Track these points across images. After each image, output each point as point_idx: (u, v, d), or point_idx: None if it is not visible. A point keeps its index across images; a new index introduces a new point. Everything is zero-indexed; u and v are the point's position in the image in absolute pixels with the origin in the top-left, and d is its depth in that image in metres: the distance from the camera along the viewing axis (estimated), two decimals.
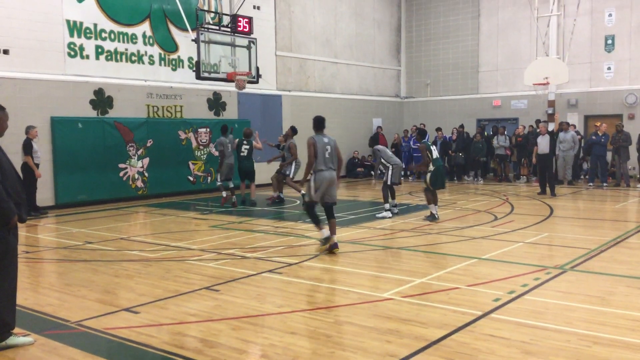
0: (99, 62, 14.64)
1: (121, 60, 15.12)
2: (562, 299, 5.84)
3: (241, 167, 13.90)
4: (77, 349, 4.70)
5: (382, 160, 11.79)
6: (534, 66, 18.25)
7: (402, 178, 15.32)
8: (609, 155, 17.76)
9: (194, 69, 14.71)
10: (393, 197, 12.10)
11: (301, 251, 8.46)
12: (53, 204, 13.65)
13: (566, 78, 17.86)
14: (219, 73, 14.92)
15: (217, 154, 14.09)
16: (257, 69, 15.74)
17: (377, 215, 11.67)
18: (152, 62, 15.82)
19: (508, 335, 4.80)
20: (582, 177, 19.02)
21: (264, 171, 16.47)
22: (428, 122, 22.19)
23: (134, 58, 15.39)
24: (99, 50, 14.65)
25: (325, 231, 8.29)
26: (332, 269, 7.39)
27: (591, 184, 17.40)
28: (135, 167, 15.33)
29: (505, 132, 19.44)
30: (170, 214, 12.77)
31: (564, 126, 17.54)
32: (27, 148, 12.26)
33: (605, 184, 17.09)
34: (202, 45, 14.45)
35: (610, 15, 19.93)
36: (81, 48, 14.30)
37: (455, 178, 19.99)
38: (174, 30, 16.27)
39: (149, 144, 15.56)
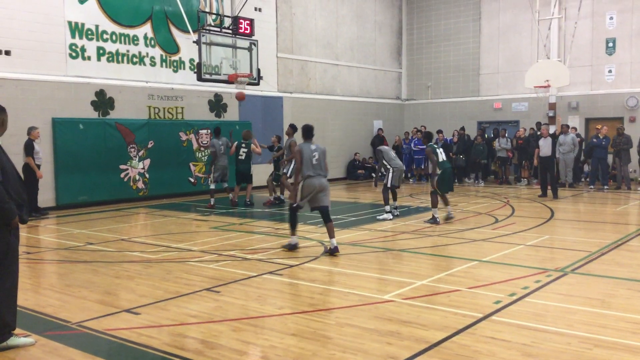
0: (100, 63, 14.66)
1: (122, 61, 15.14)
2: (563, 302, 5.84)
3: (238, 170, 13.93)
4: (77, 349, 4.70)
5: (384, 161, 11.78)
6: (535, 69, 18.26)
7: (405, 180, 15.27)
8: (609, 158, 17.76)
9: (195, 70, 14.73)
10: (395, 199, 12.11)
11: (302, 253, 8.45)
12: (54, 205, 13.66)
13: (567, 81, 17.87)
14: (220, 75, 14.94)
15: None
16: (258, 70, 15.75)
17: (377, 217, 11.67)
18: (153, 64, 15.83)
19: (509, 337, 4.80)
20: (583, 179, 19.02)
21: (261, 172, 16.51)
22: (429, 125, 22.17)
23: (135, 59, 15.41)
24: (101, 51, 14.67)
25: (295, 239, 8.51)
26: (333, 271, 7.39)
27: (592, 186, 17.39)
28: (136, 168, 15.34)
29: (507, 135, 19.45)
30: (171, 216, 12.78)
31: (563, 129, 17.54)
32: (29, 149, 12.27)
33: (606, 187, 17.09)
34: (203, 46, 14.47)
35: (611, 18, 19.94)
36: (82, 49, 14.31)
37: (456, 180, 19.97)
38: (175, 32, 16.29)
39: (150, 146, 15.57)
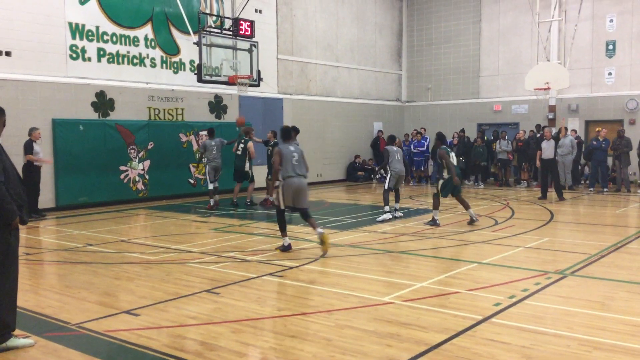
0: (100, 64, 14.67)
1: (123, 62, 15.15)
2: (562, 304, 5.84)
3: (234, 166, 14.04)
4: (77, 351, 4.70)
5: (388, 163, 11.80)
6: (534, 71, 18.27)
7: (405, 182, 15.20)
8: (609, 161, 17.77)
9: (196, 71, 14.75)
10: (397, 201, 12.14)
11: (301, 254, 8.45)
12: (54, 206, 13.66)
13: (567, 83, 17.88)
14: (220, 76, 14.97)
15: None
16: (259, 72, 15.77)
17: (377, 219, 11.66)
18: (153, 65, 15.84)
19: (508, 339, 4.80)
20: (582, 182, 19.02)
21: (262, 173, 16.50)
22: (429, 127, 22.23)
23: (135, 61, 15.42)
24: (101, 52, 14.68)
25: (287, 240, 8.61)
26: (333, 273, 7.39)
27: (592, 189, 17.39)
28: (136, 169, 15.35)
29: (507, 137, 19.46)
30: (171, 217, 12.78)
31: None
32: (28, 148, 12.26)
33: (605, 189, 17.09)
34: (203, 48, 14.49)
35: (611, 20, 19.96)
36: (83, 50, 14.32)
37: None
38: (175, 33, 16.30)
39: (150, 147, 15.57)
